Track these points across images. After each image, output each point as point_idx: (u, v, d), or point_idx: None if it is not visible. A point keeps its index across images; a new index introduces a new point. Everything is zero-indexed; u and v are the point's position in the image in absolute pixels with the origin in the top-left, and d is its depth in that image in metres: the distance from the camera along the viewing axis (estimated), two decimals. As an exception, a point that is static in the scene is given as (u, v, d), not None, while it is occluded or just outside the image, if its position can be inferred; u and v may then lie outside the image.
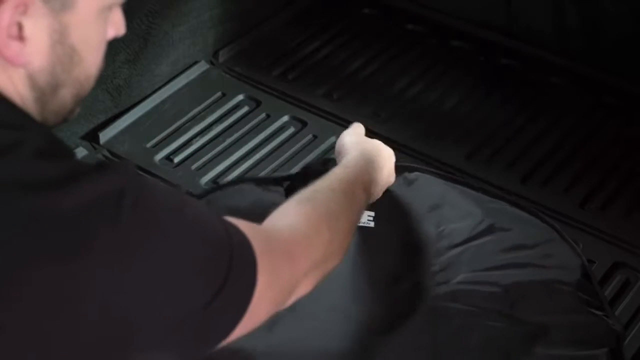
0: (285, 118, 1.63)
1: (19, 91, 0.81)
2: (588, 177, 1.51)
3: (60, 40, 0.80)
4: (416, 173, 1.39)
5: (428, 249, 1.29)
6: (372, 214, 1.32)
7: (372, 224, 1.32)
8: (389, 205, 1.33)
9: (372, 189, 1.21)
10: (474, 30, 1.78)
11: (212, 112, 1.64)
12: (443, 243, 1.30)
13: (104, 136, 1.58)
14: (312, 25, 1.85)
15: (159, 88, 1.68)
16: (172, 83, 1.70)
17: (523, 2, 1.69)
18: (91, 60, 0.85)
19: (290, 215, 1.01)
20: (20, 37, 0.77)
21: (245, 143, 1.58)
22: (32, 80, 0.81)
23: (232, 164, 1.54)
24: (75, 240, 0.74)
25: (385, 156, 1.28)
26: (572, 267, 1.27)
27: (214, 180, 1.51)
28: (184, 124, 1.62)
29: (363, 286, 1.25)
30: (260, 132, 1.60)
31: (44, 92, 0.82)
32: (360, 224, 1.27)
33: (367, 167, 1.21)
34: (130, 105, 1.64)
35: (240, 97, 1.68)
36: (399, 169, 1.32)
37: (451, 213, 1.34)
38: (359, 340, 1.18)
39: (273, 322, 1.10)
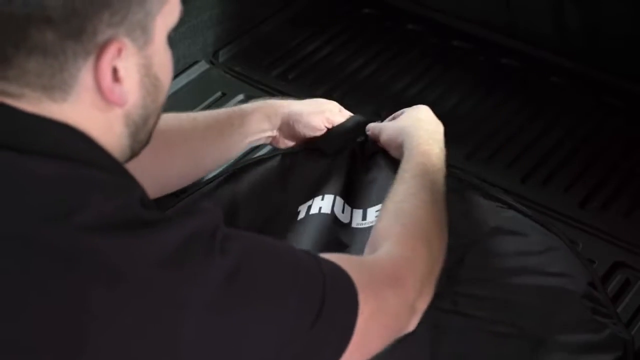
0: (285, 118, 1.63)
1: (115, 131, 0.84)
2: (588, 176, 1.51)
3: (147, 73, 0.84)
4: None
5: None
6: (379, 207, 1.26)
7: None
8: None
9: (437, 149, 1.22)
10: (474, 30, 1.78)
11: (212, 112, 1.65)
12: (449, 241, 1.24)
13: (104, 136, 1.58)
14: (312, 25, 1.85)
15: (159, 88, 1.68)
16: (172, 83, 1.69)
17: (523, 2, 1.69)
18: (168, 82, 0.90)
19: (384, 241, 1.03)
20: (117, 80, 0.81)
21: (245, 143, 1.58)
22: (127, 117, 0.84)
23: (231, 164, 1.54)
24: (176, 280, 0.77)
25: (421, 113, 1.29)
26: (578, 276, 1.24)
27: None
28: (184, 124, 1.62)
29: None
30: (260, 132, 1.60)
31: (138, 125, 0.86)
32: (367, 225, 1.26)
33: (423, 140, 1.22)
34: (130, 105, 1.64)
35: (240, 97, 1.68)
36: None
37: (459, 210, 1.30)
38: None
39: None
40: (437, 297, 1.09)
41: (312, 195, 1.32)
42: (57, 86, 0.79)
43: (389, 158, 1.32)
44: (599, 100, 1.65)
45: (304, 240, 1.24)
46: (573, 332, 1.17)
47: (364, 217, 1.29)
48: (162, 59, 0.87)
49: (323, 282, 0.86)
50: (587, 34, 1.66)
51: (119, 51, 0.80)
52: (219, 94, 1.68)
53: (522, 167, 1.54)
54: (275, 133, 1.34)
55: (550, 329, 1.16)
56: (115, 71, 0.80)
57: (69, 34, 0.77)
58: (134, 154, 0.88)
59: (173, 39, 1.77)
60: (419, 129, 1.25)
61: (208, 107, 1.64)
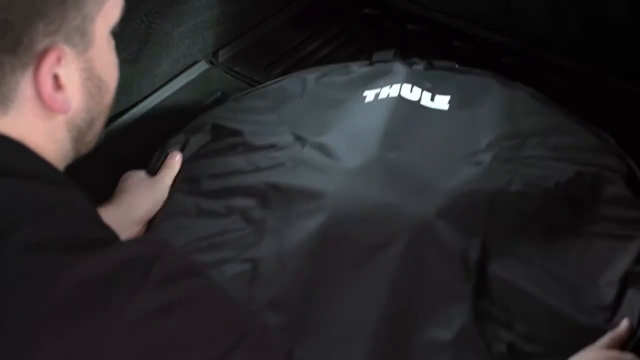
0: (285, 118, 1.64)
1: (57, 137, 0.82)
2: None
3: (90, 76, 0.82)
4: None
5: (495, 130, 1.40)
6: (448, 97, 1.45)
7: (446, 108, 1.45)
8: (461, 95, 1.47)
9: None
10: (474, 30, 1.78)
11: (212, 112, 1.64)
12: (508, 128, 1.39)
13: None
14: (312, 25, 1.85)
15: (159, 88, 1.68)
16: (172, 83, 1.70)
17: (523, 2, 1.69)
18: (114, 82, 0.87)
19: None
20: (58, 87, 0.79)
21: (246, 143, 1.58)
22: (70, 123, 0.83)
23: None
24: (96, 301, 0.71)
25: None
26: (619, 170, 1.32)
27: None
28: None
29: (443, 158, 1.35)
30: (260, 132, 1.60)
31: (81, 129, 0.84)
32: (436, 107, 1.44)
33: None
34: (130, 105, 1.64)
35: (240, 97, 1.68)
36: None
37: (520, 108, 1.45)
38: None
39: None
40: (501, 157, 1.36)
41: (381, 85, 1.49)
42: None
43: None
44: (598, 100, 1.65)
45: (373, 117, 1.42)
46: (614, 210, 1.26)
47: (432, 99, 1.45)
48: (105, 58, 0.85)
49: (244, 331, 0.79)
50: (587, 33, 1.65)
51: (59, 59, 0.78)
52: (219, 94, 1.68)
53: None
54: (136, 229, 1.33)
55: (590, 206, 1.27)
56: (56, 78, 0.79)
57: (4, 48, 0.76)
58: (77, 155, 0.86)
59: (173, 39, 1.79)
60: None
61: (208, 107, 1.64)
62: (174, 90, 1.69)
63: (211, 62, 1.76)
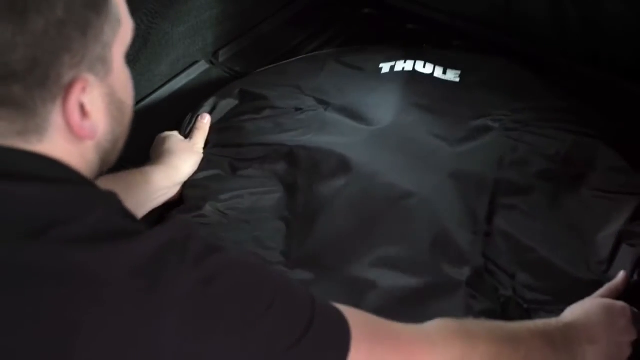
0: (285, 118, 1.64)
1: (87, 160, 0.86)
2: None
3: (112, 100, 0.86)
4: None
5: (502, 101, 1.51)
6: (460, 71, 1.58)
7: (458, 80, 1.57)
8: (471, 69, 1.60)
9: (581, 348, 1.07)
10: (474, 30, 1.78)
11: (212, 112, 1.64)
12: (514, 100, 1.51)
13: (104, 136, 1.58)
14: (312, 25, 1.85)
15: (159, 88, 1.68)
16: (172, 83, 1.70)
17: (523, 1, 1.69)
18: (131, 100, 0.91)
19: (439, 322, 1.00)
20: (84, 114, 0.83)
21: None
22: (98, 146, 0.87)
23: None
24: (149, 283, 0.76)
25: (616, 312, 1.12)
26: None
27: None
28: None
29: (447, 125, 1.46)
30: (260, 132, 1.60)
31: (108, 151, 0.88)
32: (448, 79, 1.56)
33: (584, 329, 1.08)
34: (130, 105, 1.64)
35: (240, 97, 1.68)
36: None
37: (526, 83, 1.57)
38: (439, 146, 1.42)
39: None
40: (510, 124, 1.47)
41: (395, 58, 1.61)
42: (32, 130, 0.82)
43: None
44: (598, 100, 1.65)
45: (390, 86, 1.53)
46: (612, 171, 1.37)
47: (444, 73, 1.58)
48: (123, 80, 0.89)
49: (311, 313, 0.85)
50: (587, 33, 1.65)
51: (83, 88, 0.82)
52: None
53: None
54: (176, 189, 1.40)
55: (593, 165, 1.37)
56: (82, 107, 0.82)
57: (34, 83, 0.80)
58: (101, 173, 0.90)
59: (173, 39, 1.78)
60: (594, 325, 1.09)
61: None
62: (174, 90, 1.69)
63: (211, 62, 1.76)
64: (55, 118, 0.82)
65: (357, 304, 1.17)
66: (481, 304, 1.21)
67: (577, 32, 1.66)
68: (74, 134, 0.83)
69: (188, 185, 1.41)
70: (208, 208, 1.36)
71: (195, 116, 1.53)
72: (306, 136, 1.44)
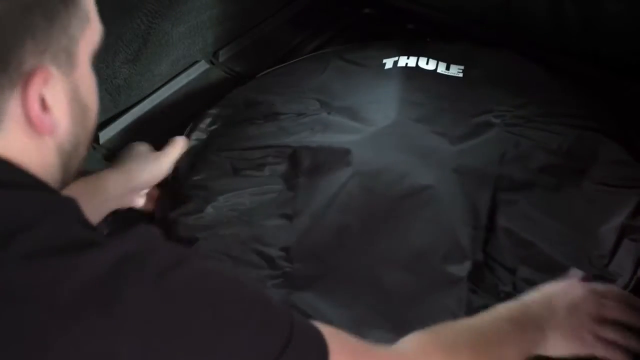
0: (285, 118, 1.64)
1: (49, 163, 0.83)
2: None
3: (75, 98, 0.83)
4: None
5: (505, 96, 1.51)
6: (462, 66, 1.58)
7: (461, 75, 1.57)
8: (474, 64, 1.60)
9: (541, 331, 1.08)
10: (474, 29, 1.78)
11: (212, 112, 1.64)
12: (517, 94, 1.50)
13: (104, 136, 1.59)
14: (312, 25, 1.85)
15: (159, 88, 1.68)
16: (172, 83, 1.70)
17: (523, 1, 1.69)
18: (96, 108, 0.87)
19: (413, 336, 0.99)
20: (45, 108, 0.80)
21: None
22: (59, 147, 0.83)
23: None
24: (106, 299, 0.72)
25: (573, 313, 1.11)
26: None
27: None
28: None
29: (449, 122, 1.47)
30: (260, 132, 1.60)
31: (69, 155, 0.84)
32: (451, 75, 1.56)
33: (547, 314, 1.09)
34: (130, 105, 1.64)
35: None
36: None
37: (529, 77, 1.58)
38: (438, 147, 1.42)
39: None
40: (513, 119, 1.46)
41: (399, 54, 1.61)
42: None
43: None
44: (598, 100, 1.65)
45: (393, 82, 1.54)
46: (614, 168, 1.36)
47: (447, 68, 1.58)
48: (88, 83, 0.86)
49: (289, 331, 0.81)
50: (587, 33, 1.65)
51: (45, 80, 0.79)
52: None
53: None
54: (135, 197, 1.38)
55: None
56: (42, 100, 0.79)
57: None
58: (64, 185, 0.86)
59: (173, 39, 1.78)
60: (556, 309, 1.10)
61: (208, 107, 1.64)
62: (174, 90, 1.69)
63: (211, 62, 1.76)
64: (13, 108, 0.78)
65: (357, 299, 1.18)
66: (481, 298, 1.21)
67: (577, 31, 1.66)
68: (33, 127, 0.79)
69: (189, 185, 1.40)
70: (209, 209, 1.35)
71: (196, 125, 1.52)
72: (309, 137, 1.45)
